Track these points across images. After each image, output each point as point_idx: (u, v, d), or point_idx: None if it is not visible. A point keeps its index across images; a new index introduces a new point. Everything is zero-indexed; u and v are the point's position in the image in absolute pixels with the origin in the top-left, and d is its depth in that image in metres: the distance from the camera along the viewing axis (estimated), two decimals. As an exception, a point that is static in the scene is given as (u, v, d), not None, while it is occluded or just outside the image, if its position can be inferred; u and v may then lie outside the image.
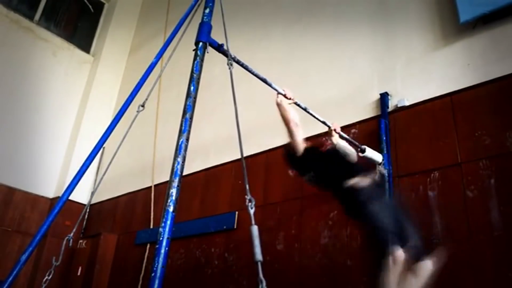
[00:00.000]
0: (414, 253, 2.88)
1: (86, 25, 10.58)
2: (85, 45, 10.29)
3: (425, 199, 4.14)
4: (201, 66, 2.84)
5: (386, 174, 4.35)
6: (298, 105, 3.72)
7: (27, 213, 8.27)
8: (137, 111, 2.98)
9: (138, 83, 2.92)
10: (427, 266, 2.91)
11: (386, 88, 4.90)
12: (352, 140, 4.31)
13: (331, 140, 4.06)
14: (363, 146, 4.25)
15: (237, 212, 5.75)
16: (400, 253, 2.80)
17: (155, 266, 2.15)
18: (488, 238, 3.65)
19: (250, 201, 2.04)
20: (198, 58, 2.85)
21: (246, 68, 3.31)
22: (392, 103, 4.79)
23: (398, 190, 4.34)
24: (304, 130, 4.91)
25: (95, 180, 8.60)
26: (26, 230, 8.10)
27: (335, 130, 4.06)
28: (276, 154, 5.49)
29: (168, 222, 2.24)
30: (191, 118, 2.61)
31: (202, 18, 3.07)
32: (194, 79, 2.76)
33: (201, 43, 2.92)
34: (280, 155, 5.25)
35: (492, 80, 4.13)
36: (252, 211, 2.00)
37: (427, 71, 4.68)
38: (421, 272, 2.86)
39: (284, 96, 3.51)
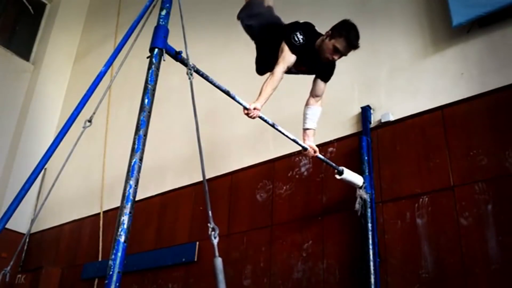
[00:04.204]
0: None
1: (25, 29, 10.52)
2: (24, 52, 10.18)
3: (413, 227, 4.11)
4: (157, 75, 2.78)
5: (368, 199, 4.33)
6: (265, 120, 3.70)
7: (-45, 246, 8.15)
8: (84, 127, 2.94)
9: (85, 95, 2.81)
10: None
11: (368, 101, 4.89)
12: (329, 161, 4.28)
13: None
14: (341, 168, 4.20)
15: (197, 243, 5.68)
16: None
17: (105, 304, 2.10)
18: (484, 272, 3.61)
19: (213, 229, 2.01)
20: (153, 66, 2.78)
21: (207, 79, 3.25)
22: (375, 118, 4.79)
23: (382, 217, 4.31)
24: (276, 149, 4.85)
25: (36, 206, 8.48)
26: (-45, 266, 7.84)
27: (314, 154, 4.06)
28: (242, 176, 5.68)
29: (119, 254, 2.18)
30: (146, 135, 2.55)
31: (158, 21, 2.99)
32: (149, 91, 2.70)
33: (156, 50, 2.85)
34: (248, 177, 5.17)
35: (489, 91, 4.12)
36: (215, 241, 1.98)
37: (415, 82, 4.68)
38: None
39: (247, 112, 3.53)
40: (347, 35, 3.61)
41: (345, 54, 3.70)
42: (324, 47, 3.70)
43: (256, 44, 4.13)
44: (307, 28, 3.80)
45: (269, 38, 3.94)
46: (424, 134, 4.37)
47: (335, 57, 3.70)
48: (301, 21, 3.91)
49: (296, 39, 3.68)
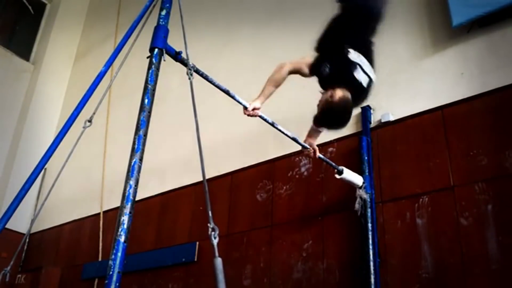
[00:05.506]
0: None
1: (25, 29, 10.45)
2: (24, 52, 10.11)
3: (413, 227, 4.09)
4: (157, 75, 2.77)
5: (368, 199, 4.31)
6: (265, 120, 3.68)
7: (-45, 247, 8.11)
8: (84, 127, 2.93)
9: (85, 95, 2.80)
10: None
11: (368, 101, 4.73)
12: (328, 161, 4.27)
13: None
14: (341, 167, 4.19)
15: (197, 243, 5.66)
16: None
17: (105, 304, 2.08)
18: (484, 272, 3.60)
19: (213, 230, 2.00)
20: (153, 66, 2.77)
21: (206, 78, 3.24)
22: (375, 118, 4.77)
23: (382, 217, 4.29)
24: (278, 148, 4.82)
25: (36, 206, 8.46)
26: (-45, 266, 7.80)
27: (314, 154, 4.05)
28: (242, 176, 5.65)
29: (119, 254, 2.17)
30: (146, 135, 2.54)
31: (158, 21, 2.98)
32: (149, 91, 2.69)
33: (156, 50, 2.84)
34: (248, 177, 5.14)
35: (489, 91, 4.08)
36: (215, 242, 1.97)
37: (415, 82, 4.65)
38: None
39: (248, 113, 3.50)
40: (324, 119, 3.53)
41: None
42: (322, 94, 3.47)
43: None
44: (340, 67, 3.45)
45: (343, 19, 3.74)
46: (424, 134, 4.34)
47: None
48: (350, 51, 3.50)
49: (324, 69, 3.44)
